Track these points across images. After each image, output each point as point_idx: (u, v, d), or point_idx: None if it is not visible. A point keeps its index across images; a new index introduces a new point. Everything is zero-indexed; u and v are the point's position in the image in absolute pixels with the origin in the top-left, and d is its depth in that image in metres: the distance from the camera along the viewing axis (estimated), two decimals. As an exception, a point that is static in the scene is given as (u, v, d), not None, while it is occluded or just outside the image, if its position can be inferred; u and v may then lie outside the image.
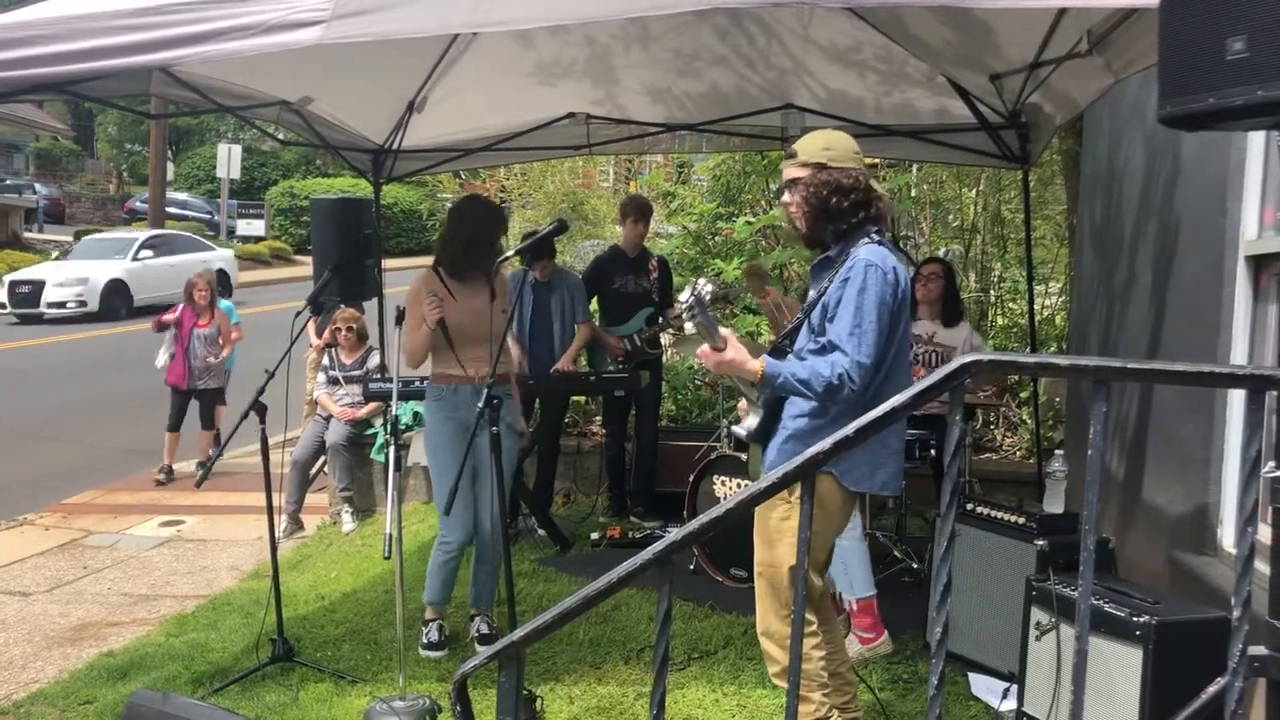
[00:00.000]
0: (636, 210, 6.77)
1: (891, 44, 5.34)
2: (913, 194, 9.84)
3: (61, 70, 3.47)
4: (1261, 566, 2.76)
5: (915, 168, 9.72)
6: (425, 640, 4.65)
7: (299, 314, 4.52)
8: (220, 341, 8.63)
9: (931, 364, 5.68)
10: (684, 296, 2.99)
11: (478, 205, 4.78)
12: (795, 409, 3.17)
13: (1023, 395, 7.87)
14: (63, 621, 5.40)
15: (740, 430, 3.36)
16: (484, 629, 4.72)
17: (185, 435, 8.60)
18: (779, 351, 3.25)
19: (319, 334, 7.75)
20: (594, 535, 6.32)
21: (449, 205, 5.08)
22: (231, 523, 7.28)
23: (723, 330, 3.08)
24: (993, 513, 4.22)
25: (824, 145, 3.17)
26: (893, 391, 3.08)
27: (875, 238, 3.11)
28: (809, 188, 3.14)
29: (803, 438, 3.13)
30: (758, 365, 3.01)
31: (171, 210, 28.46)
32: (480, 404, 4.01)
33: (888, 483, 3.19)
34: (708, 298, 2.99)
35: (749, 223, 9.07)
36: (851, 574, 4.38)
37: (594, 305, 6.83)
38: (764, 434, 3.25)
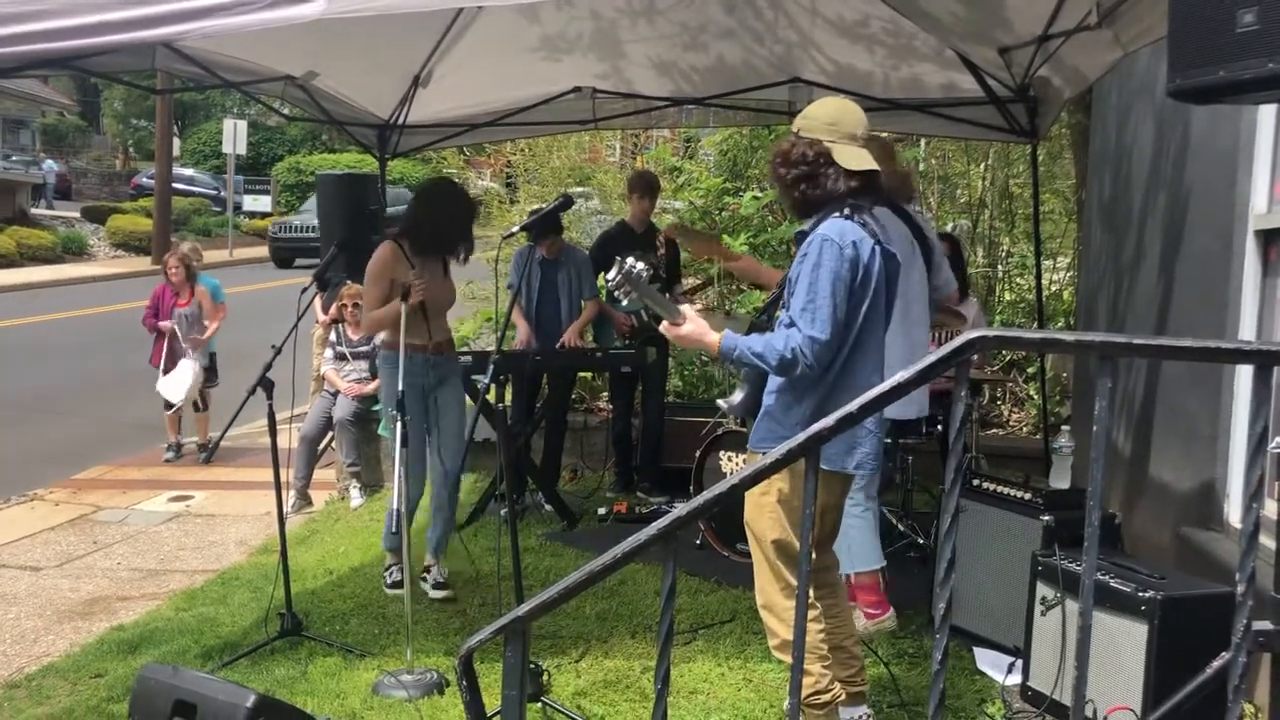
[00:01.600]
0: (643, 186, 6.75)
1: (900, 18, 5.30)
2: (921, 169, 9.79)
3: (66, 45, 3.45)
4: (1267, 542, 2.77)
5: (923, 142, 9.67)
6: (389, 580, 4.98)
7: (305, 290, 4.53)
8: (205, 320, 8.48)
9: (940, 340, 5.66)
10: (611, 274, 3.01)
11: (455, 192, 5.04)
12: (771, 385, 3.18)
13: (1030, 370, 7.86)
14: (73, 596, 5.44)
15: (723, 404, 3.39)
16: (439, 578, 4.99)
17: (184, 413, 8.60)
18: (757, 327, 3.26)
19: (325, 310, 7.75)
20: (600, 510, 6.34)
21: (420, 184, 5.17)
22: (240, 498, 7.31)
23: (684, 307, 3.13)
24: (999, 488, 4.21)
25: (802, 115, 3.18)
26: (864, 367, 3.09)
27: (847, 210, 3.08)
28: (771, 159, 3.18)
29: (776, 415, 3.14)
30: (715, 339, 3.05)
31: (178, 186, 28.43)
32: (434, 369, 4.78)
33: (863, 462, 3.18)
34: (644, 276, 3.02)
35: (756, 198, 9.03)
36: (852, 549, 4.34)
37: (600, 281, 6.82)
38: (750, 408, 3.26)
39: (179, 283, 8.46)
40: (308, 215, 25.52)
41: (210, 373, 8.60)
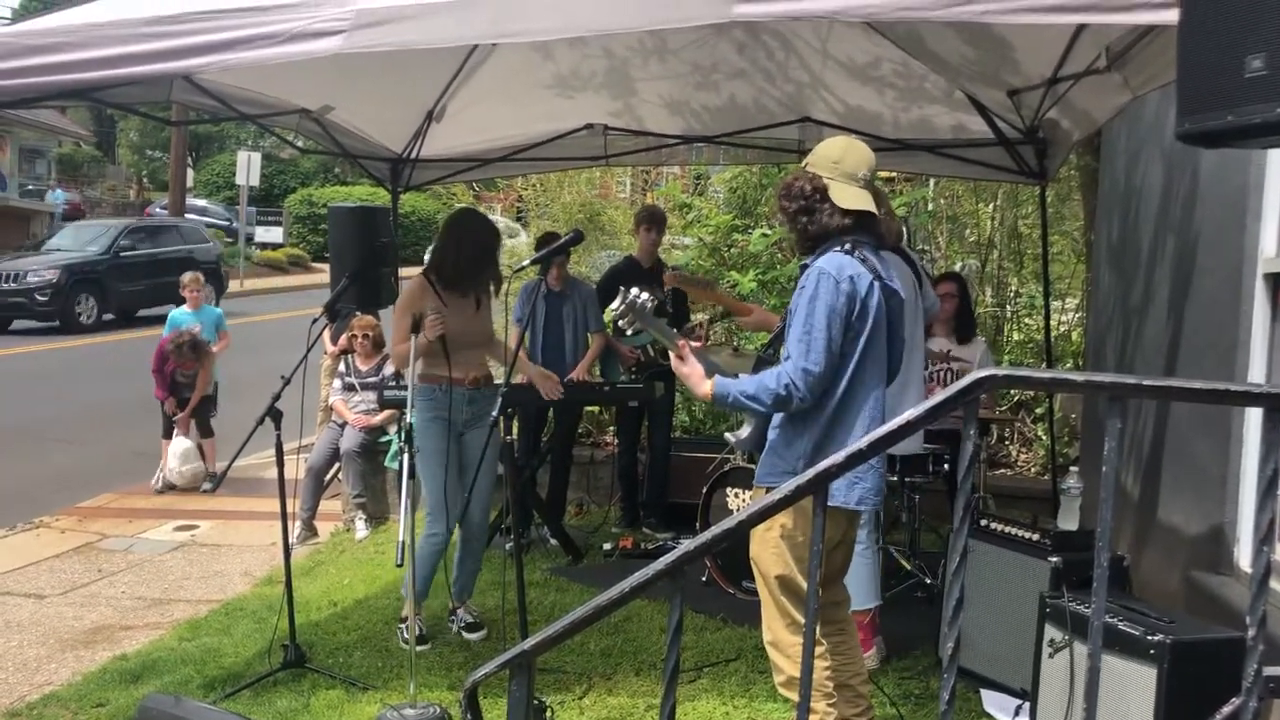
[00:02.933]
0: (649, 219, 6.76)
1: (910, 59, 5.34)
2: (930, 208, 9.82)
3: (85, 77, 3.50)
4: (1278, 586, 2.75)
5: (932, 182, 9.71)
6: (406, 636, 4.66)
7: (315, 321, 4.55)
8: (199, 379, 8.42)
9: (946, 381, 5.66)
10: (615, 304, 3.08)
11: (480, 220, 5.00)
12: (774, 420, 3.20)
13: (1038, 411, 7.83)
14: (77, 624, 5.42)
15: (731, 438, 3.41)
16: (469, 618, 4.92)
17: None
18: (765, 361, 3.28)
19: (334, 341, 7.77)
20: (606, 546, 6.32)
21: (447, 216, 5.17)
22: (245, 528, 7.30)
23: (682, 342, 3.19)
24: (1007, 529, 4.20)
25: (813, 152, 3.25)
26: (862, 401, 3.10)
27: (848, 245, 3.10)
28: (777, 193, 3.25)
29: (778, 450, 3.16)
30: (707, 389, 3.10)
31: (191, 216, 28.62)
32: (468, 405, 4.70)
33: (865, 498, 3.18)
34: (648, 306, 3.07)
35: (765, 235, 9.07)
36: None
37: (608, 315, 6.84)
38: (757, 442, 3.27)
39: (186, 359, 8.44)
40: (30, 260, 18.39)
41: (211, 402, 8.62)
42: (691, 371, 3.14)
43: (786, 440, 3.14)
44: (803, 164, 3.24)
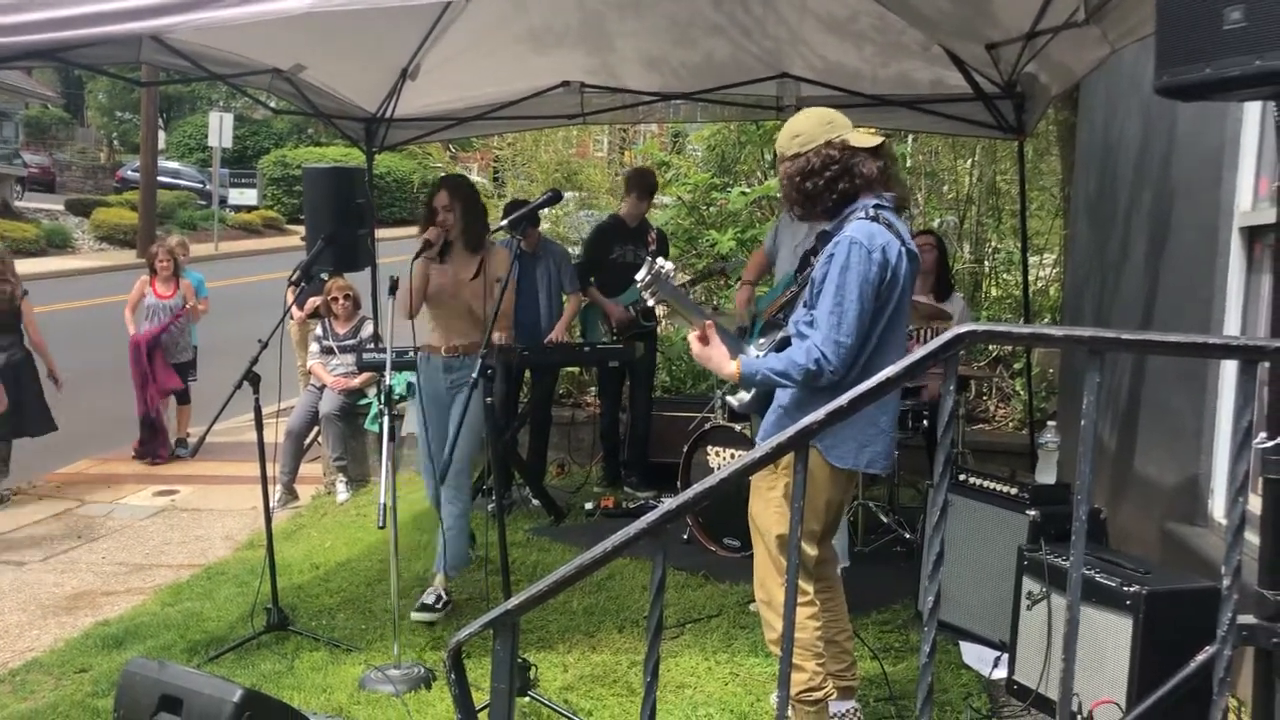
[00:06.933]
0: (641, 188, 6.63)
1: (888, 14, 5.31)
2: (908, 164, 9.81)
3: (52, 37, 3.43)
4: (1251, 537, 2.79)
5: (910, 138, 9.70)
6: (424, 600, 4.62)
7: (292, 283, 4.51)
8: (188, 309, 8.36)
9: (926, 337, 5.68)
10: (640, 274, 3.04)
11: (474, 188, 4.87)
12: None
13: (1016, 366, 7.89)
14: (58, 590, 5.41)
15: (734, 400, 3.39)
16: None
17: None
18: (773, 326, 3.25)
19: (299, 306, 7.67)
20: (588, 505, 6.34)
21: (441, 177, 5.09)
22: (225, 493, 7.29)
23: (708, 320, 3.12)
24: (985, 483, 4.23)
25: (793, 134, 3.15)
26: (883, 367, 3.08)
27: (872, 211, 3.07)
28: (784, 181, 3.18)
29: (790, 411, 3.14)
30: (734, 369, 3.05)
31: (163, 179, 28.25)
32: (446, 372, 4.63)
33: (874, 461, 3.17)
34: (670, 276, 3.03)
35: (744, 193, 9.04)
36: None
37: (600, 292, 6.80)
38: (761, 405, 3.26)
39: (166, 276, 8.39)
40: None
41: (190, 367, 8.56)
42: (714, 354, 3.08)
43: (800, 404, 3.08)
44: (794, 151, 3.12)
